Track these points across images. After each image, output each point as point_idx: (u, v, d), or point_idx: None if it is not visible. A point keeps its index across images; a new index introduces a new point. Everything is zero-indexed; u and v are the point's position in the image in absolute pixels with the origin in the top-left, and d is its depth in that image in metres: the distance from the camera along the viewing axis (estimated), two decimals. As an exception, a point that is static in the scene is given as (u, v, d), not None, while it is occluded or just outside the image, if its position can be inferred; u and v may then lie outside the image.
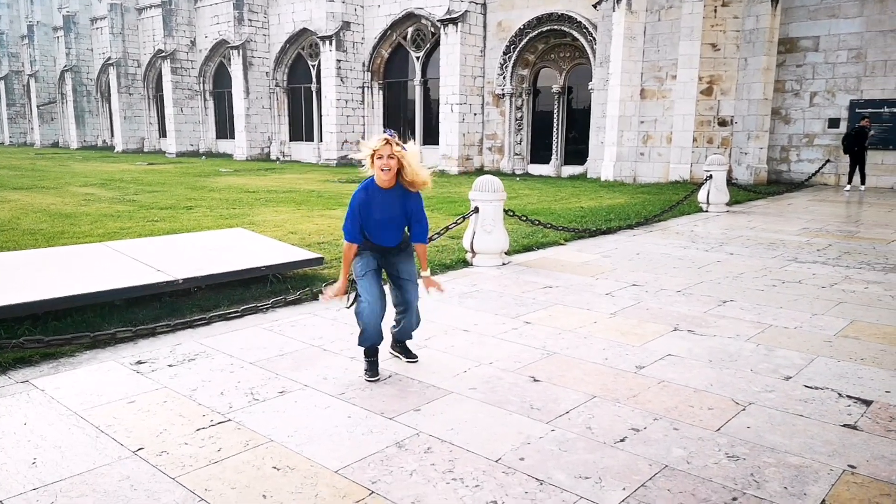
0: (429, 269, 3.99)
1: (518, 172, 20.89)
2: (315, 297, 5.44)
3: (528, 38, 20.25)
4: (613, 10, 16.30)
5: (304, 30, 27.49)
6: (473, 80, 21.30)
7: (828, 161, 15.33)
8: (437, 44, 23.10)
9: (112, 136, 38.28)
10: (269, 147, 30.17)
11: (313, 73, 28.15)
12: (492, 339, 4.40)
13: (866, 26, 14.56)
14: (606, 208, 11.12)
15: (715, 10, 15.17)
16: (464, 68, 20.88)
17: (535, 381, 3.67)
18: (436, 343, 4.34)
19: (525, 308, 5.17)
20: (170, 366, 3.93)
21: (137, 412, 3.26)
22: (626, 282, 6.04)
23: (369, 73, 25.58)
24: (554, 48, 20.36)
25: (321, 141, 27.31)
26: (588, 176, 18.18)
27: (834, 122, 15.34)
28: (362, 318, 3.75)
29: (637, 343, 4.31)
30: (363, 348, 3.87)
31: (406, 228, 3.81)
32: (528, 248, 7.56)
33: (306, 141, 29.11)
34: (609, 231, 8.76)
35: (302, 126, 29.44)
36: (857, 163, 14.22)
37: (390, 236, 3.78)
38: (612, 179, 16.38)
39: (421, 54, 24.06)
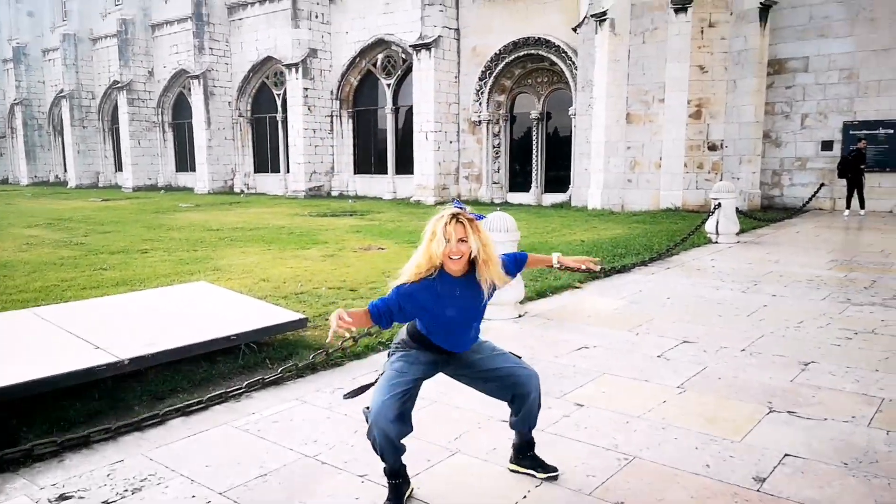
0: (555, 255, 3.10)
1: (497, 201, 20.00)
2: (301, 375, 4.30)
3: (504, 63, 19.51)
4: (596, 33, 15.63)
5: (269, 58, 26.44)
6: (448, 107, 20.46)
7: (822, 185, 14.74)
8: (408, 70, 22.27)
9: (65, 171, 36.42)
10: (232, 179, 28.85)
11: (278, 102, 27.05)
12: (542, 436, 3.32)
13: (857, 46, 14.11)
14: (608, 241, 10.19)
15: (702, 31, 14.58)
16: (438, 95, 20.03)
17: (629, 512, 2.61)
18: (468, 443, 3.26)
19: (568, 381, 4.12)
20: (104, 503, 2.77)
21: None
22: (674, 337, 5.05)
23: (338, 102, 24.59)
24: (531, 73, 19.66)
25: (288, 172, 26.13)
26: (572, 204, 17.34)
27: (827, 145, 14.80)
28: (369, 422, 2.60)
29: (734, 436, 3.29)
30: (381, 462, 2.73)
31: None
32: (541, 294, 6.54)
33: (272, 172, 27.87)
34: (624, 269, 7.80)
35: (267, 157, 28.22)
36: (855, 186, 13.62)
37: (465, 339, 2.74)
38: (601, 208, 15.55)
39: (392, 81, 23.17)
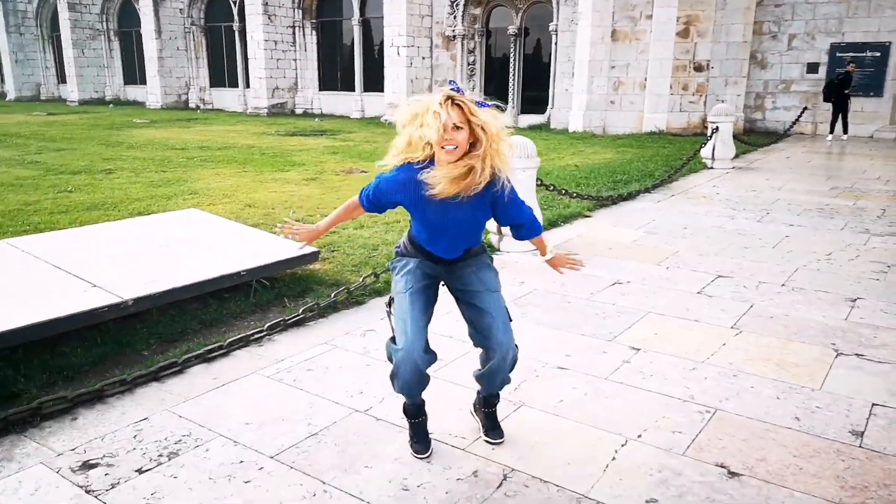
0: (551, 250, 2.64)
1: (472, 122, 19.32)
2: (322, 315, 3.94)
3: (481, -28, 18.44)
4: (583, -59, 14.76)
5: (224, -40, 24.53)
6: (421, 20, 19.39)
7: (805, 108, 14.59)
8: (376, -22, 20.94)
9: (2, 81, 33.91)
10: (186, 94, 27.26)
11: (235, 9, 25.25)
12: (608, 385, 3.07)
13: (851, -37, 13.67)
14: (603, 166, 9.87)
15: (694, -58, 13.88)
16: (410, 6, 18.91)
17: (732, 475, 2.38)
18: (530, 394, 2.98)
19: (613, 321, 3.86)
20: (138, 471, 2.41)
21: None
22: (707, 272, 4.82)
23: (300, 11, 23.11)
24: (509, -16, 18.66)
25: (248, 87, 24.77)
26: (551, 126, 16.86)
27: (813, 67, 14.54)
28: (394, 359, 2.39)
29: (811, 383, 3.08)
30: (401, 398, 2.56)
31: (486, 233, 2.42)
32: (552, 223, 6.22)
33: (230, 87, 26.37)
34: (630, 197, 7.52)
35: (224, 70, 26.63)
36: (840, 110, 13.50)
37: (448, 246, 2.38)
38: (582, 130, 15.14)
39: (359, -10, 21.78)
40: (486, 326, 2.42)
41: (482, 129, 2.14)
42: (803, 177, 9.17)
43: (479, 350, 2.53)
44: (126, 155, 11.74)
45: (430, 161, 2.22)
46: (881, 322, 3.84)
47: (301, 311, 3.85)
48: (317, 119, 21.23)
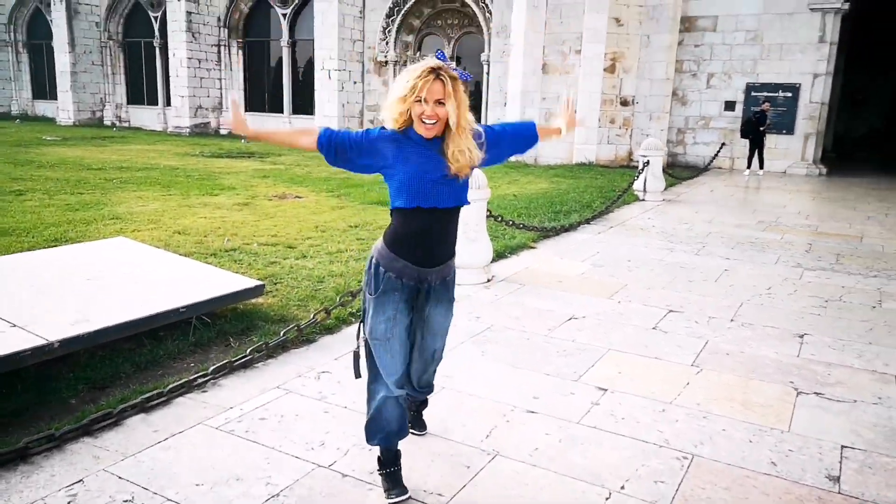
0: (559, 124, 2.78)
1: (403, 148, 19.26)
2: (271, 355, 3.67)
3: (413, 0, 18.53)
4: (515, -25, 15.08)
5: (145, -25, 23.71)
6: (353, 45, 19.28)
7: (723, 144, 15.30)
8: (306, 1, 20.73)
9: None
10: (101, 111, 26.05)
11: (156, 25, 24.44)
12: (581, 430, 2.96)
13: (764, 7, 14.50)
14: (541, 196, 9.95)
15: (620, -17, 14.42)
16: (342, 30, 18.79)
17: (722, 527, 2.30)
18: (503, 442, 2.83)
19: (575, 360, 3.78)
20: (76, 549, 2.10)
21: None
22: (658, 306, 4.84)
23: (226, 30, 22.60)
24: (441, 13, 18.84)
25: (168, 105, 23.90)
26: (484, 154, 16.98)
27: (730, 105, 15.30)
28: (374, 402, 2.36)
29: (779, 424, 3.08)
30: (377, 447, 2.46)
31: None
32: (500, 255, 6.14)
33: (149, 105, 25.40)
34: (571, 228, 7.57)
35: (143, 88, 25.65)
36: (756, 146, 14.24)
37: (447, 195, 2.25)
38: (515, 160, 15.31)
39: (288, 11, 21.50)
40: (422, 363, 2.49)
41: (457, 104, 2.14)
42: (730, 210, 9.53)
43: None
44: (37, 175, 10.96)
45: (409, 128, 2.20)
46: (832, 359, 3.92)
47: (248, 351, 3.57)
48: (243, 140, 20.59)
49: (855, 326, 4.53)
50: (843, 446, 2.90)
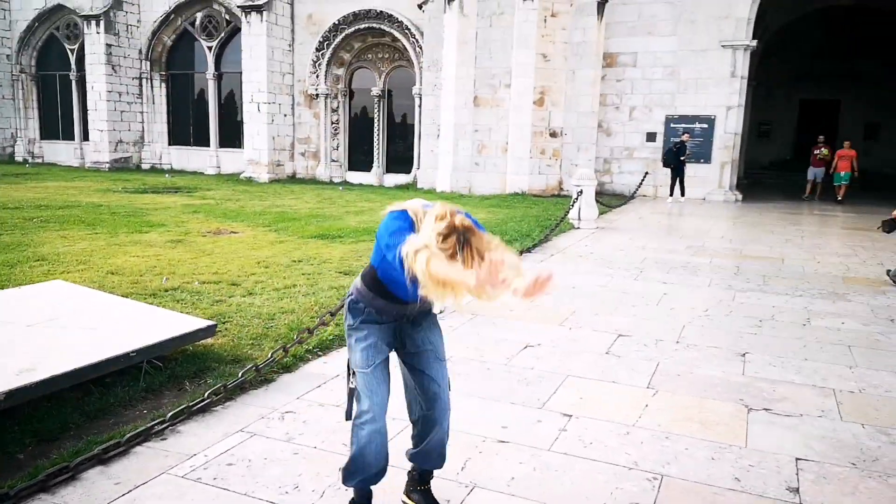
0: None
1: (336, 181, 19.18)
2: (230, 397, 3.56)
3: (343, 34, 18.63)
4: (444, 12, 15.43)
5: (60, 6, 22.89)
6: (282, 77, 19.15)
7: (647, 174, 15.98)
8: (232, 33, 20.53)
9: None
10: (13, 146, 24.79)
11: (72, 58, 23.55)
12: (553, 457, 3.01)
13: (679, 45, 15.37)
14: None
15: (545, 20, 14.99)
16: (271, 63, 18.65)
17: (700, 544, 2.39)
18: (479, 473, 2.84)
19: (537, 388, 3.84)
20: None
21: None
22: (607, 331, 4.98)
23: (149, 63, 22.02)
24: (372, 48, 19.00)
25: (86, 140, 22.94)
26: (418, 186, 17.11)
27: (651, 136, 16.03)
28: (358, 438, 2.33)
29: (736, 441, 3.22)
30: (351, 488, 2.45)
31: None
32: (448, 286, 6.18)
33: (65, 140, 24.32)
34: (513, 257, 7.70)
35: (58, 122, 24.55)
36: (678, 175, 14.97)
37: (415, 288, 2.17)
38: (450, 191, 15.50)
39: (214, 44, 21.17)
40: (432, 396, 2.42)
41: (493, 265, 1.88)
42: (659, 236, 9.94)
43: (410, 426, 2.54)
44: (-53, 214, 10.29)
45: None
46: (774, 376, 4.14)
47: (206, 394, 3.45)
48: (167, 175, 20.04)
49: (790, 344, 4.80)
50: (797, 458, 3.06)
